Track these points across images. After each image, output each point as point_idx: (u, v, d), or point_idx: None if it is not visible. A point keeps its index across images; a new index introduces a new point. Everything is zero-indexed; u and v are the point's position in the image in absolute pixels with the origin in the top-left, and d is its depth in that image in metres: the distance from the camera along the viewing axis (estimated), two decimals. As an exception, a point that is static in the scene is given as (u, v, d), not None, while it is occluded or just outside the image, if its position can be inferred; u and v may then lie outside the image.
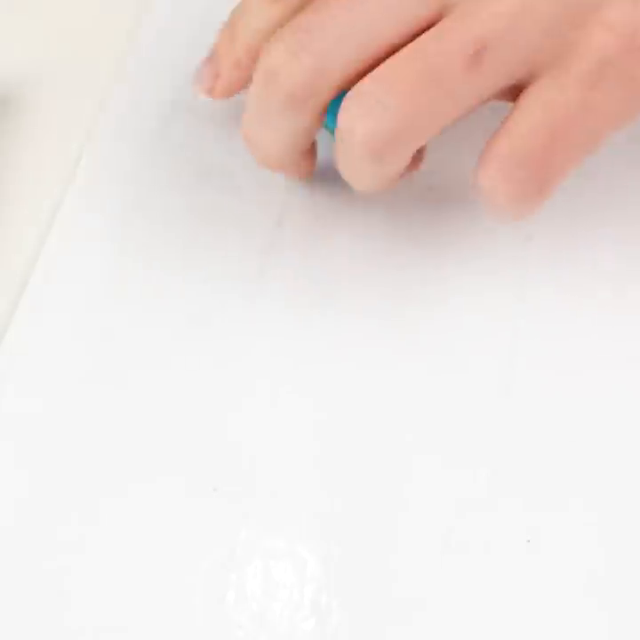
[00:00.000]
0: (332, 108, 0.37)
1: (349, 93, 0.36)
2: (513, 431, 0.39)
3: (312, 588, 0.36)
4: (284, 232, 0.44)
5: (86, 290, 0.43)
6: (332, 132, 0.38)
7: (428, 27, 0.36)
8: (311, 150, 0.42)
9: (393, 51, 0.36)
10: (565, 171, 0.36)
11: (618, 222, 0.44)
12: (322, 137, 0.42)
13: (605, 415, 0.39)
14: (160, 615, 0.36)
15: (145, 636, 0.36)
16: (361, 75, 0.36)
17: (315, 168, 0.44)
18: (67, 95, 0.48)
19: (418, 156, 0.40)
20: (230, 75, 0.42)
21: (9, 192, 0.45)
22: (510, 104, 0.37)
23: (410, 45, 0.35)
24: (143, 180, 0.45)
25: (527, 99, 0.36)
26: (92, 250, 0.44)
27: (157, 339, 0.41)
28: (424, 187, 0.44)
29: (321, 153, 0.44)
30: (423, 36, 0.35)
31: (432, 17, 0.36)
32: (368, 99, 0.35)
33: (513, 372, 0.40)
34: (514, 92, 0.36)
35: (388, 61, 0.36)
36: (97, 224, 0.44)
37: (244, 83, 0.42)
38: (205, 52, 0.43)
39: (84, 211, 0.45)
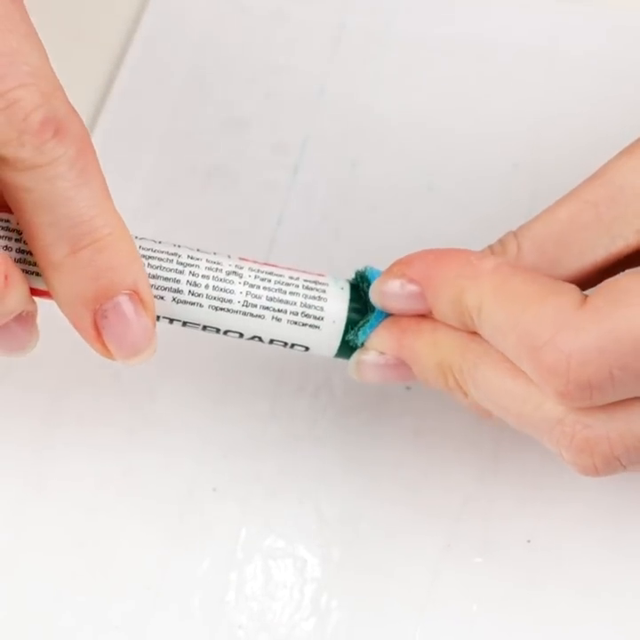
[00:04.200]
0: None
1: None
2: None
3: (312, 588, 0.36)
4: (285, 232, 0.44)
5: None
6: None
7: None
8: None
9: None
10: None
11: None
12: None
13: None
14: (160, 615, 0.36)
15: (145, 636, 0.36)
16: None
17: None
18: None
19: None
20: None
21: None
22: None
23: None
24: (143, 183, 0.45)
25: None
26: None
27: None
28: (424, 186, 0.44)
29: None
30: None
31: None
32: None
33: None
34: None
35: None
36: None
37: None
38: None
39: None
